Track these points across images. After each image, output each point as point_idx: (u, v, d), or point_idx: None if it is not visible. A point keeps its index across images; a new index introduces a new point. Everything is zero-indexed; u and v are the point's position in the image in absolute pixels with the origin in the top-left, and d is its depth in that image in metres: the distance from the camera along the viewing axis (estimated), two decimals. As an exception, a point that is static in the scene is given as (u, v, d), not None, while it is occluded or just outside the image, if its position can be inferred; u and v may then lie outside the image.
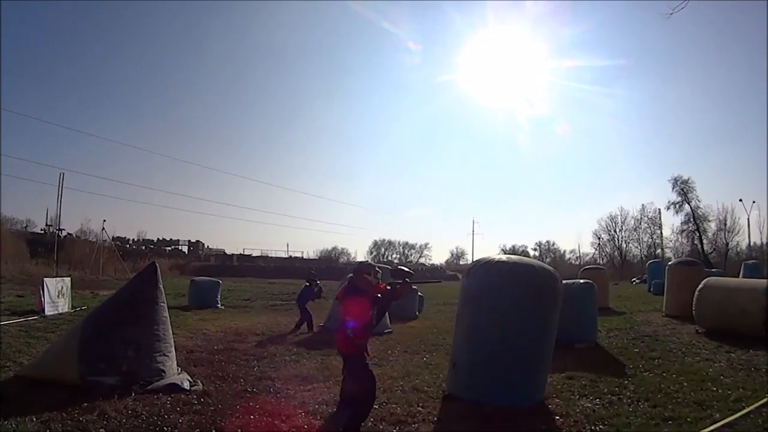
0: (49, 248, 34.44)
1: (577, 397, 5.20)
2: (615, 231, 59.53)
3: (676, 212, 52.52)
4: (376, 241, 70.85)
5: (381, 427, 4.24)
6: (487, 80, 70.15)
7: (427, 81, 72.85)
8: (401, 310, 12.24)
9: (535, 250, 68.91)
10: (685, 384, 5.63)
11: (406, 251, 71.94)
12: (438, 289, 21.53)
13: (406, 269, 4.44)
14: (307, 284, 11.41)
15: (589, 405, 4.89)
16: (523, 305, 4.94)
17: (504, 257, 5.40)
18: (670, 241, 54.47)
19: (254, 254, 60.04)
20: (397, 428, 4.25)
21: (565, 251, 68.76)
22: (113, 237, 42.96)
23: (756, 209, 43.96)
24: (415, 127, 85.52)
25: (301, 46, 74.87)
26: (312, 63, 74.42)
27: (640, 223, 57.97)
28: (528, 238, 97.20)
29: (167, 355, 5.61)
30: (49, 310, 11.95)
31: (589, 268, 19.03)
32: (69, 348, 5.20)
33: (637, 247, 58.75)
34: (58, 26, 60.72)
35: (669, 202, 52.53)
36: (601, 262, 54.71)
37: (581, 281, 9.56)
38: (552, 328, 5.14)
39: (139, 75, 72.61)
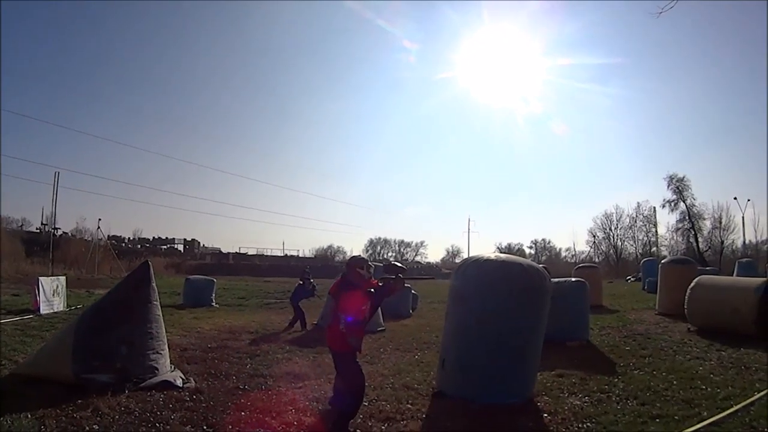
0: (45, 247, 34.29)
1: (566, 394, 5.23)
2: (610, 229, 59.85)
3: (672, 210, 52.80)
4: (371, 239, 71.17)
5: (370, 424, 4.27)
6: (482, 78, 69.95)
7: (422, 79, 73.23)
8: (395, 309, 12.27)
9: (530, 248, 69.38)
10: (674, 382, 5.66)
11: (401, 249, 72.15)
12: (432, 287, 21.59)
13: (399, 264, 4.43)
14: (301, 282, 11.47)
15: (578, 403, 4.91)
16: (511, 303, 4.96)
17: (493, 255, 5.40)
18: (666, 239, 54.72)
19: (250, 253, 60.16)
20: (386, 425, 4.28)
21: (560, 249, 69.10)
22: (109, 236, 43.03)
23: (751, 207, 44.27)
24: (410, 126, 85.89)
25: (297, 44, 74.84)
26: (308, 61, 74.36)
27: (636, 221, 58.32)
28: (524, 236, 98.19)
29: (160, 353, 5.65)
30: (44, 309, 11.94)
31: (582, 266, 19.13)
32: (63, 346, 5.23)
33: (632, 245, 59.16)
34: (53, 24, 60.40)
35: (664, 200, 52.75)
36: (596, 260, 54.95)
37: (573, 279, 9.63)
38: (540, 326, 5.17)
39: (134, 74, 72.46)
